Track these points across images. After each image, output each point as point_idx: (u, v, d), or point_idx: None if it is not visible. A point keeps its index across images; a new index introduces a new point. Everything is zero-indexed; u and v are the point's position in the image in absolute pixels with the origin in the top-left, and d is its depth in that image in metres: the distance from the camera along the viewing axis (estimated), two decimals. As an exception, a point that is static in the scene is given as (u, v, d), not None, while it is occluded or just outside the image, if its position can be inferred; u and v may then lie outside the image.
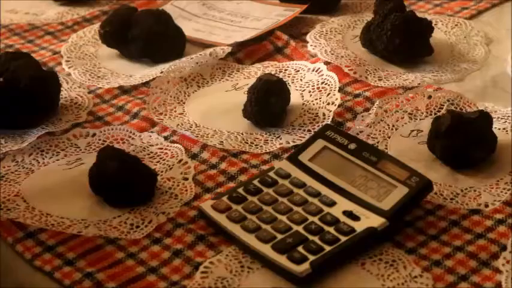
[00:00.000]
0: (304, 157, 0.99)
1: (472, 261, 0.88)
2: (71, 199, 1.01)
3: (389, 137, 1.08)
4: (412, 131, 1.07)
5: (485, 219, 0.93)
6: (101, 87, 1.20)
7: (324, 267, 0.87)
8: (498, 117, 1.09)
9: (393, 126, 1.10)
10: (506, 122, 1.08)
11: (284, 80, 1.15)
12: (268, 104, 1.09)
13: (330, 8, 1.36)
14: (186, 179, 1.03)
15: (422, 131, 1.06)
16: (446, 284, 0.85)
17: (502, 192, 0.97)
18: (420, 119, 1.08)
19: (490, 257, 0.88)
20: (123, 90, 1.19)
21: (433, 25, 1.23)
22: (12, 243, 0.94)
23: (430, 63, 1.22)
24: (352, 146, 0.98)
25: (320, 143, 1.00)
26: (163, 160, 1.07)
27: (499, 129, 1.06)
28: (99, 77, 1.23)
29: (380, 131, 1.09)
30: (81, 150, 1.08)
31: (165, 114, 1.14)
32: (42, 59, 1.28)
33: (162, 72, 1.21)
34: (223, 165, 1.06)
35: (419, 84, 1.17)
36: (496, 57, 1.23)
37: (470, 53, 1.25)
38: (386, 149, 1.06)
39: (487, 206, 0.95)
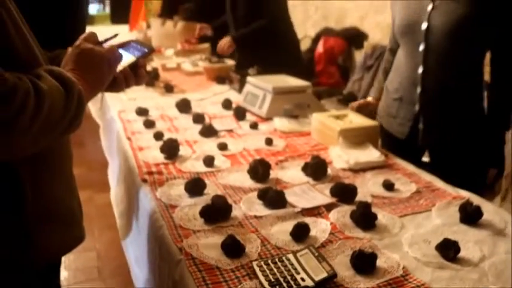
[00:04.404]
0: (299, 254, 1.21)
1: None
2: (212, 250, 1.22)
3: (336, 257, 1.24)
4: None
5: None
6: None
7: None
8: (385, 259, 1.21)
9: (343, 251, 1.26)
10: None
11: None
12: (299, 232, 1.33)
13: (348, 201, 1.48)
14: (255, 252, 1.23)
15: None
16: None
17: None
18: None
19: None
20: (255, 217, 1.41)
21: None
22: (186, 260, 1.19)
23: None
24: (316, 253, 1.19)
25: (306, 250, 1.21)
26: (252, 244, 1.26)
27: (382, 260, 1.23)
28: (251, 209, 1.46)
29: (336, 253, 1.25)
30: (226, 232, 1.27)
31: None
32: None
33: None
34: (272, 251, 1.23)
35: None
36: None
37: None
38: (334, 259, 1.23)
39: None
